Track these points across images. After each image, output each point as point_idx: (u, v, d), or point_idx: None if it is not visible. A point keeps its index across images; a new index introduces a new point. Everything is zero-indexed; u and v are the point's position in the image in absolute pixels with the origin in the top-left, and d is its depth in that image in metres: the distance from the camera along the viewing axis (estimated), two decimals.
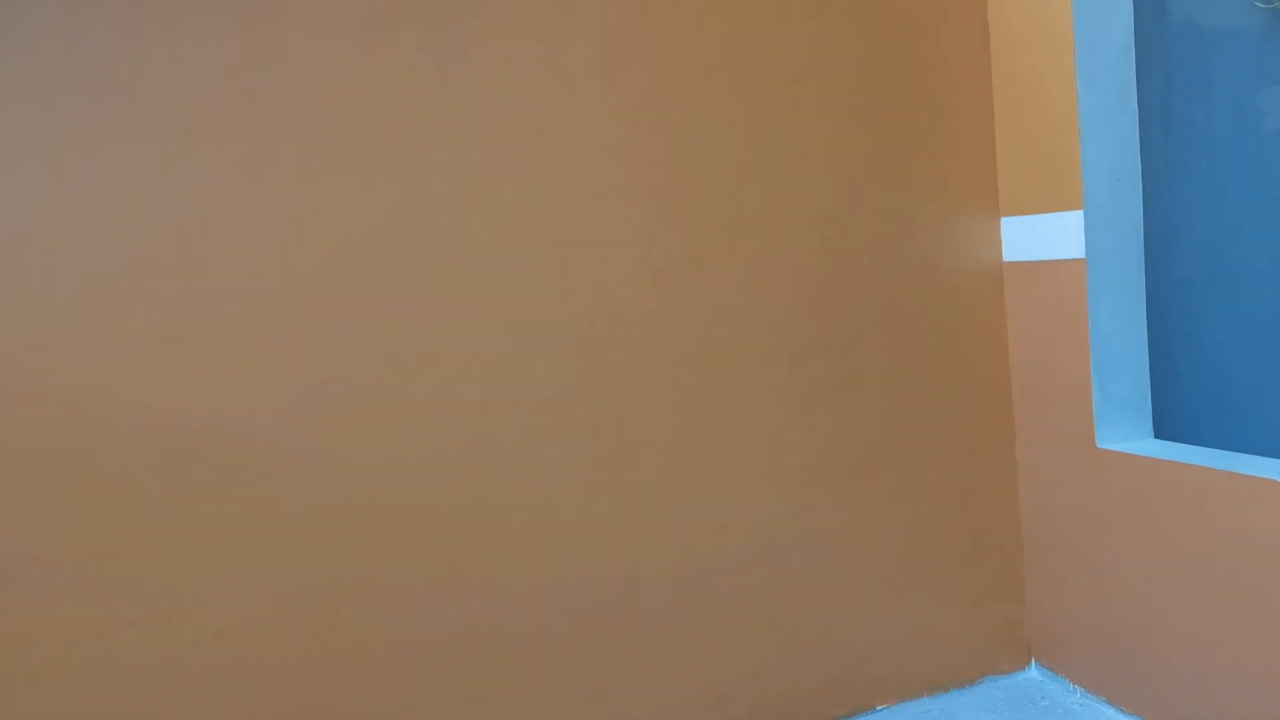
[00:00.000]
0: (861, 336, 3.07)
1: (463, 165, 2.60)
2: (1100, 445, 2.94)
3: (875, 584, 3.13)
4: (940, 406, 3.18)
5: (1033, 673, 3.29)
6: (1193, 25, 3.46)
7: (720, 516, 2.93)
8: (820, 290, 3.01)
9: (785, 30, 2.94)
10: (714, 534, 2.92)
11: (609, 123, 2.75)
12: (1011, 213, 3.17)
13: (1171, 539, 2.74)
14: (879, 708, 3.14)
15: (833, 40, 2.99)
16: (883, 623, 3.14)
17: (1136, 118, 2.94)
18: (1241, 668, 2.55)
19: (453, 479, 2.63)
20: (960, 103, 3.17)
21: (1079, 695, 3.11)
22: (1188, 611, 2.71)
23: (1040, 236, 3.06)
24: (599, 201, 2.74)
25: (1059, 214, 2.98)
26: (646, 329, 2.81)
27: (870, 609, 3.13)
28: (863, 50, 3.03)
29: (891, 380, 3.11)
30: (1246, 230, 3.54)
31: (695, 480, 2.90)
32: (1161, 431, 3.12)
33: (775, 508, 2.99)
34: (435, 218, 2.59)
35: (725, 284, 2.90)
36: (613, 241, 2.76)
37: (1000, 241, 3.22)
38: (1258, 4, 3.43)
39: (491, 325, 2.65)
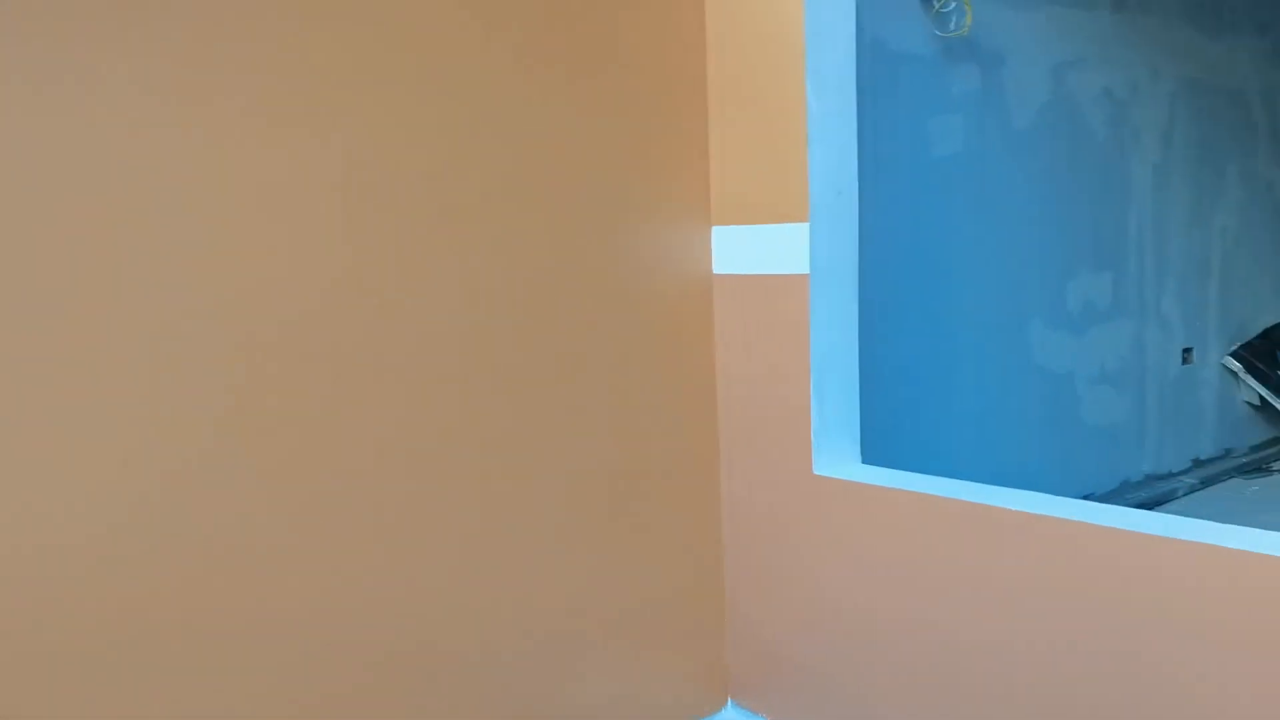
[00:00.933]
0: (560, 358, 2.67)
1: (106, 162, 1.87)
2: (817, 472, 2.79)
3: (577, 635, 2.75)
4: (649, 436, 2.87)
5: (729, 712, 3.08)
6: (882, 46, 3.46)
7: (412, 568, 2.40)
8: (519, 310, 2.58)
9: (491, 35, 2.48)
10: (403, 585, 2.39)
11: (284, 110, 2.13)
12: (724, 222, 2.95)
13: (882, 566, 2.63)
14: None
15: (534, 40, 2.58)
16: (586, 676, 2.77)
17: (856, 129, 2.83)
18: (943, 693, 2.48)
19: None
20: (671, 107, 2.88)
21: None
22: (891, 640, 2.62)
23: (758, 249, 2.86)
24: (268, 204, 2.12)
25: (781, 225, 2.79)
26: (324, 343, 2.23)
27: (573, 663, 2.74)
28: (569, 49, 2.65)
29: (599, 409, 2.75)
30: (920, 254, 3.59)
31: (388, 525, 2.35)
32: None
33: (478, 553, 2.52)
34: (67, 215, 1.84)
35: (403, 306, 2.38)
36: (286, 249, 2.15)
37: (710, 252, 2.99)
38: (936, 32, 3.50)
39: (135, 347, 1.93)
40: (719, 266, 2.98)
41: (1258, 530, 2.06)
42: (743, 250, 2.91)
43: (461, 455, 2.48)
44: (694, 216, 2.94)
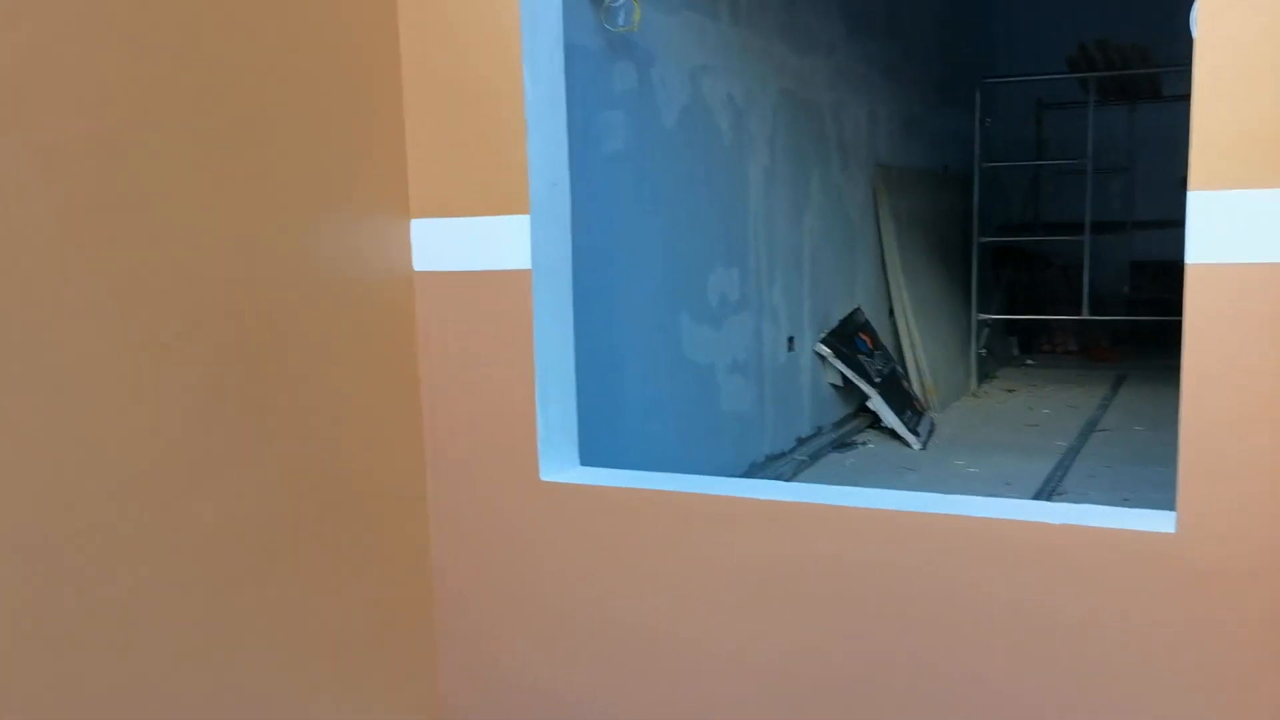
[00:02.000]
0: (235, 367, 2.29)
1: None
2: (544, 478, 2.64)
3: (262, 673, 2.37)
4: (341, 448, 2.54)
5: None
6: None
7: (64, 597, 1.92)
8: (186, 314, 2.18)
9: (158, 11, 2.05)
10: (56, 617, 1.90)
11: None
12: (427, 215, 2.70)
13: (616, 569, 2.56)
14: None
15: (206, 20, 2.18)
16: None
17: (565, 116, 2.72)
18: (676, 691, 2.48)
19: None
20: (354, 89, 2.57)
21: None
22: (624, 645, 2.57)
23: (471, 243, 2.65)
24: None
25: (499, 218, 2.61)
26: None
27: (258, 706, 2.36)
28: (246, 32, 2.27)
29: (284, 419, 2.38)
30: (594, 251, 3.57)
31: (53, 544, 1.85)
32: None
33: (145, 575, 2.08)
34: None
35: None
36: None
37: (410, 247, 2.72)
38: (606, 26, 3.48)
39: None
40: (421, 263, 2.72)
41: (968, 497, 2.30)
42: (451, 245, 2.68)
43: (124, 473, 2.03)
44: (387, 209, 2.65)
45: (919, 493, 2.44)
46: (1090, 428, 6.26)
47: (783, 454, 5.36)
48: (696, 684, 2.50)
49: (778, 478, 4.98)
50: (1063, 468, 5.32)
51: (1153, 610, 2.00)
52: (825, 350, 5.77)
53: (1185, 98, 1.99)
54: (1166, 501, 2.04)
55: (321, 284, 2.44)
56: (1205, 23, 1.93)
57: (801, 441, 5.63)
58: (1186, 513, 1.98)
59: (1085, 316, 7.78)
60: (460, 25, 2.62)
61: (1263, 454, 1.90)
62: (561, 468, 2.72)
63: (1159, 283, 8.89)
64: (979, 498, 2.35)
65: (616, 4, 3.45)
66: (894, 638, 2.26)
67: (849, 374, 5.82)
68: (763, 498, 2.42)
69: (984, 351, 7.92)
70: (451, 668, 2.82)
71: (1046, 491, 4.90)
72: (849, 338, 5.99)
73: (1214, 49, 1.93)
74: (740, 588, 2.43)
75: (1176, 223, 8.49)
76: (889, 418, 5.86)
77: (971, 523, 2.18)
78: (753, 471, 4.98)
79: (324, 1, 2.44)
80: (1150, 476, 5.01)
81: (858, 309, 6.32)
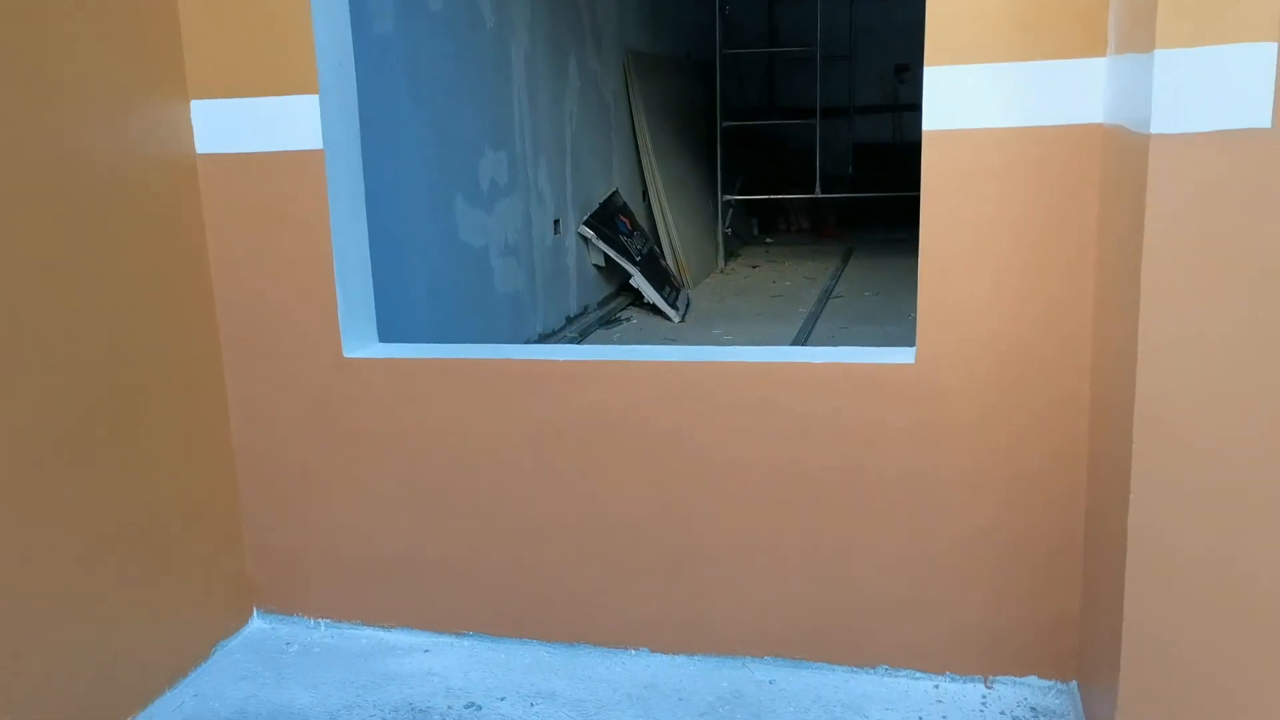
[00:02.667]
0: (34, 266, 2.24)
1: None
2: (347, 355, 2.73)
3: (92, 577, 2.40)
4: (133, 339, 2.51)
5: (257, 623, 2.94)
6: None
7: None
8: None
9: None
10: None
11: None
12: (209, 96, 2.65)
13: (423, 438, 2.71)
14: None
15: None
16: (112, 621, 2.44)
17: None
18: (502, 545, 2.70)
19: None
20: None
21: (325, 628, 2.90)
22: (441, 507, 2.74)
23: (257, 125, 2.64)
24: None
25: (287, 98, 2.61)
26: None
27: (96, 609, 2.39)
28: None
29: (81, 315, 2.34)
30: (370, 134, 3.58)
31: None
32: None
33: None
34: None
35: None
36: None
37: (192, 129, 2.67)
38: None
39: None
40: (205, 145, 2.68)
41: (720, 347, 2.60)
42: (237, 126, 2.65)
43: None
44: (162, 90, 2.59)
45: (700, 346, 2.72)
46: (827, 296, 6.87)
47: (554, 332, 5.58)
48: (500, 533, 2.71)
49: None
50: (806, 330, 5.86)
51: (901, 423, 2.38)
52: (589, 232, 5.99)
53: None
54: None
55: (92, 171, 2.37)
56: None
57: (570, 320, 5.88)
58: (923, 347, 2.35)
59: (818, 195, 8.42)
60: None
61: (984, 297, 2.29)
62: (363, 344, 2.81)
63: (879, 163, 9.68)
64: (756, 347, 2.66)
65: None
66: (687, 472, 2.55)
67: (612, 254, 6.09)
68: (559, 359, 2.62)
69: (729, 231, 8.42)
70: (259, 547, 2.89)
71: None
72: (610, 219, 6.24)
73: None
74: (538, 443, 2.63)
75: (891, 108, 9.21)
76: (650, 294, 6.19)
77: (752, 367, 2.48)
78: None
79: None
80: (882, 333, 5.62)
81: (616, 192, 6.56)
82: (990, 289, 2.28)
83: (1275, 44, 1.53)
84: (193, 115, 2.67)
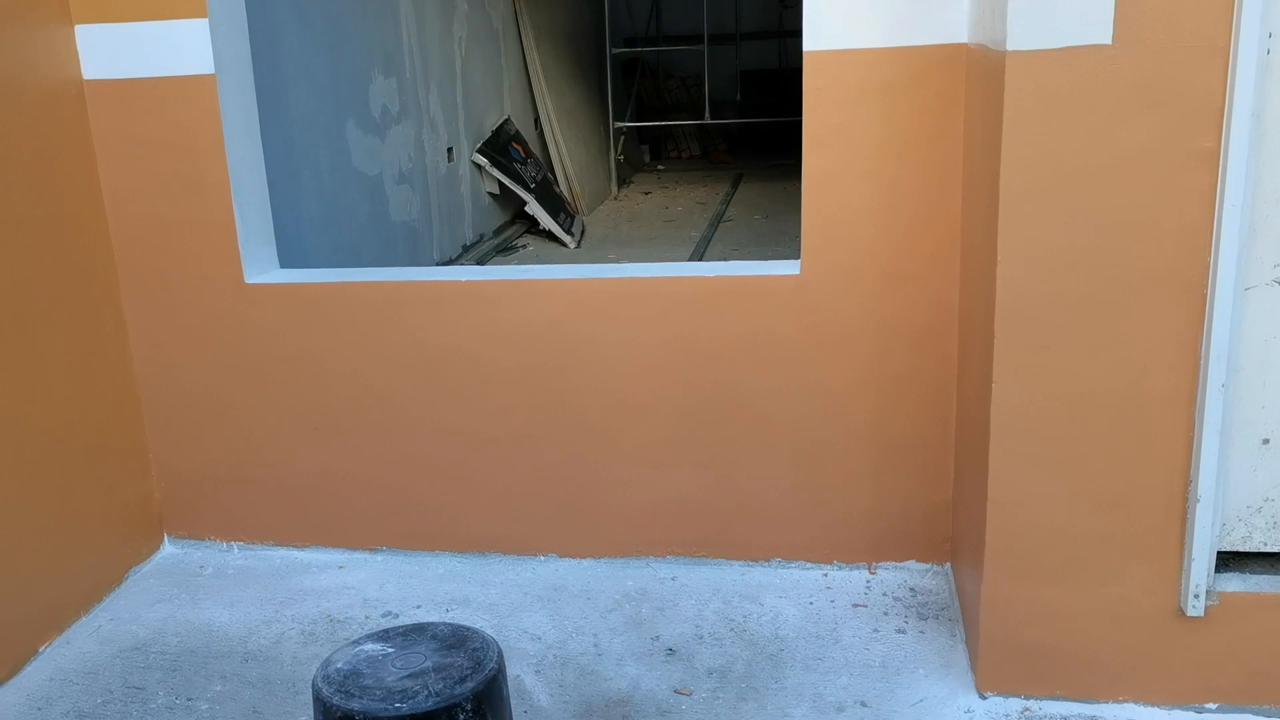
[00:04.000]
0: None
1: None
2: (249, 280, 2.75)
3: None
4: (25, 266, 2.50)
5: (170, 548, 2.98)
6: None
7: None
8: None
9: None
10: None
11: None
12: (93, 20, 2.61)
13: (323, 360, 2.77)
14: (42, 649, 2.51)
15: None
16: (17, 549, 2.46)
17: None
18: (391, 465, 2.79)
19: None
20: None
21: (238, 550, 2.96)
22: (339, 426, 2.81)
23: (145, 49, 2.61)
24: None
25: (175, 22, 2.58)
26: None
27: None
28: None
29: None
30: (257, 58, 3.54)
31: None
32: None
33: None
34: None
35: None
36: None
37: (77, 55, 2.63)
38: None
39: None
40: (91, 70, 2.65)
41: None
42: (124, 51, 2.62)
43: None
44: (41, 13, 2.53)
45: (596, 264, 2.83)
46: (718, 220, 7.02)
47: (450, 260, 5.60)
48: (406, 451, 2.79)
49: None
50: (699, 253, 6.00)
51: (790, 329, 2.54)
52: (482, 160, 5.99)
53: None
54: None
55: None
56: None
57: (466, 249, 5.90)
58: (807, 259, 2.50)
59: (708, 121, 8.52)
60: None
61: (861, 210, 2.44)
62: (264, 270, 2.84)
63: (766, 89, 9.80)
64: (652, 264, 2.78)
65: None
66: (587, 386, 2.67)
67: (506, 181, 6.10)
68: (459, 279, 2.69)
69: (621, 158, 8.47)
70: (167, 474, 2.92)
71: None
72: (503, 147, 6.24)
73: None
74: (439, 362, 2.72)
75: (776, 34, 9.29)
76: (546, 220, 6.24)
77: (647, 282, 2.60)
78: None
79: None
80: (772, 254, 5.81)
81: (508, 119, 6.55)
82: (867, 203, 2.43)
83: None
84: (77, 40, 2.62)
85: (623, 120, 8.55)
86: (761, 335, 2.55)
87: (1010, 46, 1.76)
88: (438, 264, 5.45)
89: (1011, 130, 1.81)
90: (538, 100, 7.10)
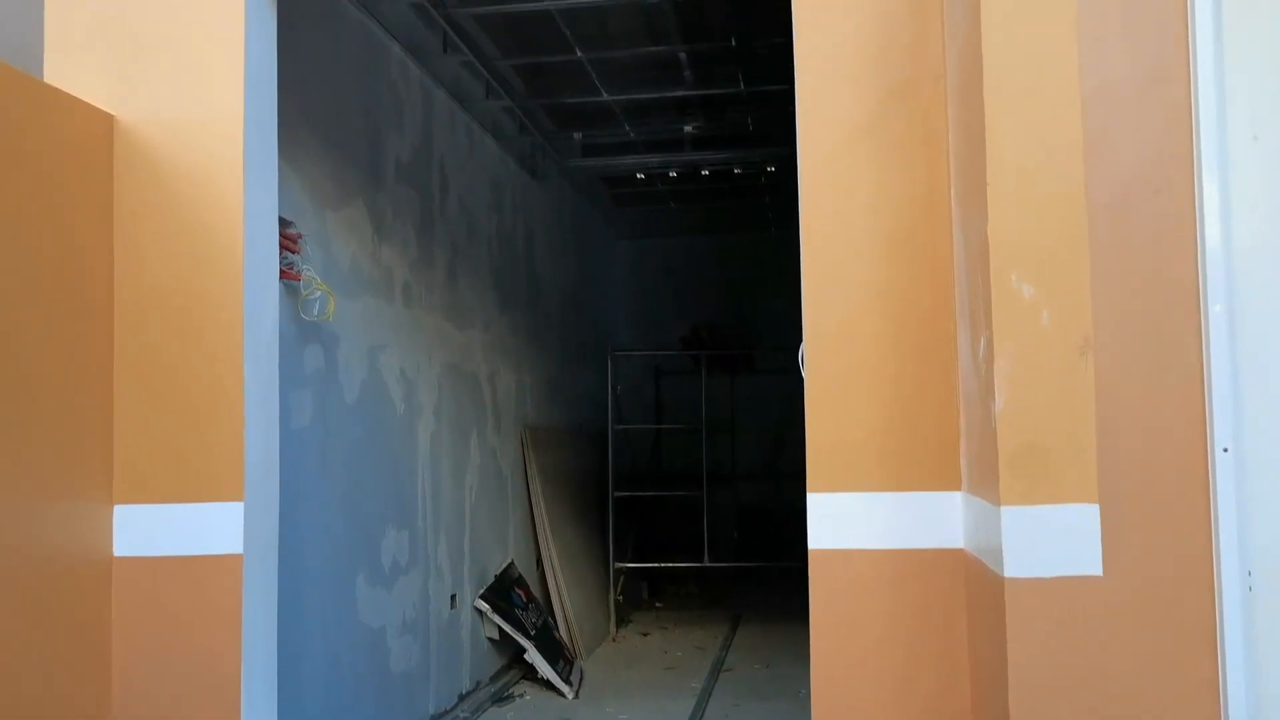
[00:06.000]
0: None
1: None
2: None
3: None
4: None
5: None
6: None
7: None
8: None
9: None
10: None
11: None
12: (132, 500, 2.77)
13: None
14: None
15: None
16: None
17: (279, 406, 2.94)
18: None
19: None
20: (70, 378, 2.67)
21: None
22: None
23: (179, 529, 2.74)
24: None
25: (211, 505, 2.74)
26: None
27: None
28: None
29: None
30: (281, 519, 3.70)
31: None
32: None
33: None
34: None
35: None
36: None
37: (110, 533, 2.76)
38: (304, 316, 3.78)
39: None
40: (123, 548, 2.76)
41: None
42: (157, 530, 2.75)
43: None
44: (89, 494, 2.70)
45: None
46: (718, 668, 6.89)
47: (445, 711, 5.43)
48: None
49: None
50: (700, 708, 5.83)
51: None
52: (484, 606, 6.01)
53: (774, 371, 2.63)
54: None
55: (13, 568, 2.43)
56: (810, 362, 2.59)
57: (463, 697, 5.74)
58: None
59: (706, 564, 8.67)
60: (179, 320, 2.80)
61: (880, 702, 2.44)
62: None
63: (763, 528, 10.04)
64: None
65: (313, 297, 3.76)
66: None
67: (507, 628, 6.08)
68: None
69: (620, 598, 8.49)
70: None
71: None
72: (505, 592, 6.29)
73: (815, 382, 2.58)
74: None
75: (771, 474, 9.65)
76: (544, 669, 6.13)
77: None
78: None
79: (41, 287, 2.55)
80: (773, 710, 5.65)
81: (511, 563, 6.66)
82: (875, 689, 2.44)
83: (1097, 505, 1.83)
84: (115, 519, 2.76)
85: (624, 561, 8.67)
86: None
87: (1009, 574, 1.87)
88: (433, 716, 5.29)
89: (1017, 650, 1.87)
90: (540, 543, 7.27)
